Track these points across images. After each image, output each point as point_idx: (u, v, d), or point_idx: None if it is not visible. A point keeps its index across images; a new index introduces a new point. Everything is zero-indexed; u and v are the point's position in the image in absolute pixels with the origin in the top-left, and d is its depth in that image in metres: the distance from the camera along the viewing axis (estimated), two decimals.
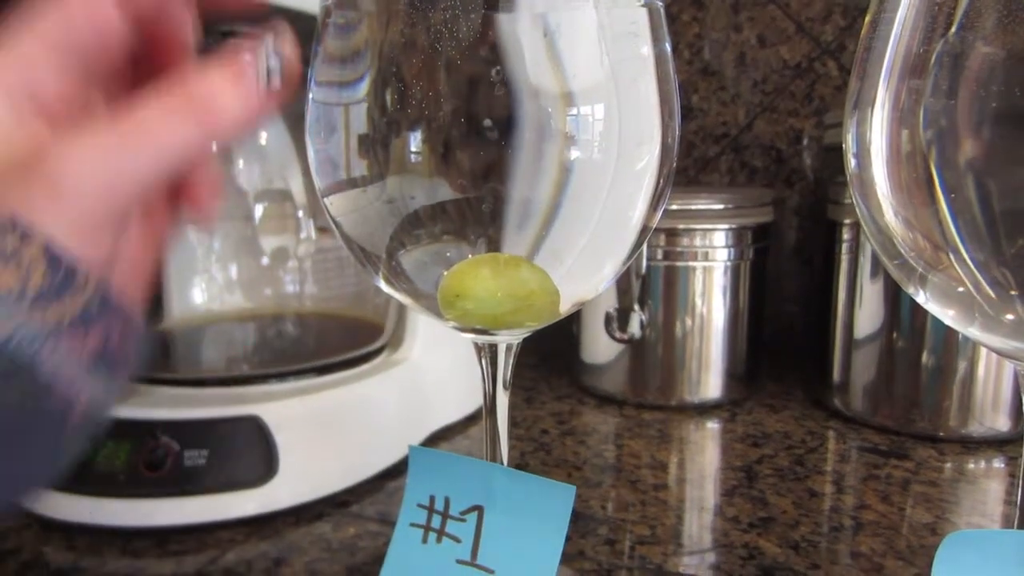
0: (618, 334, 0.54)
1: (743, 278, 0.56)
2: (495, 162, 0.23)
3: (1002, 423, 0.49)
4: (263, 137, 0.47)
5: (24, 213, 0.19)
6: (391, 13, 0.23)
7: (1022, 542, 0.24)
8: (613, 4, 0.23)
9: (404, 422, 0.47)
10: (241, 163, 0.46)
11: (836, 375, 0.55)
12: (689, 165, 0.73)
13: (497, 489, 0.28)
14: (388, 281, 0.26)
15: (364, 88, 0.24)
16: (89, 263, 0.20)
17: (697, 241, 0.55)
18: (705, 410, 0.56)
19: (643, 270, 0.53)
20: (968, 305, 0.23)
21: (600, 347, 0.58)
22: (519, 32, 0.23)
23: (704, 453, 0.49)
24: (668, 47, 0.25)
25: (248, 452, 0.39)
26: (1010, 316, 0.23)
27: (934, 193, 0.21)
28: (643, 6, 0.24)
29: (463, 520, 0.28)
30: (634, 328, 0.54)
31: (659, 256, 0.55)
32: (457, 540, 0.28)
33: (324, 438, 0.42)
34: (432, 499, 0.29)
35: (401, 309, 0.52)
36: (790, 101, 0.68)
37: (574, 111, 0.23)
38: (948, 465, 0.46)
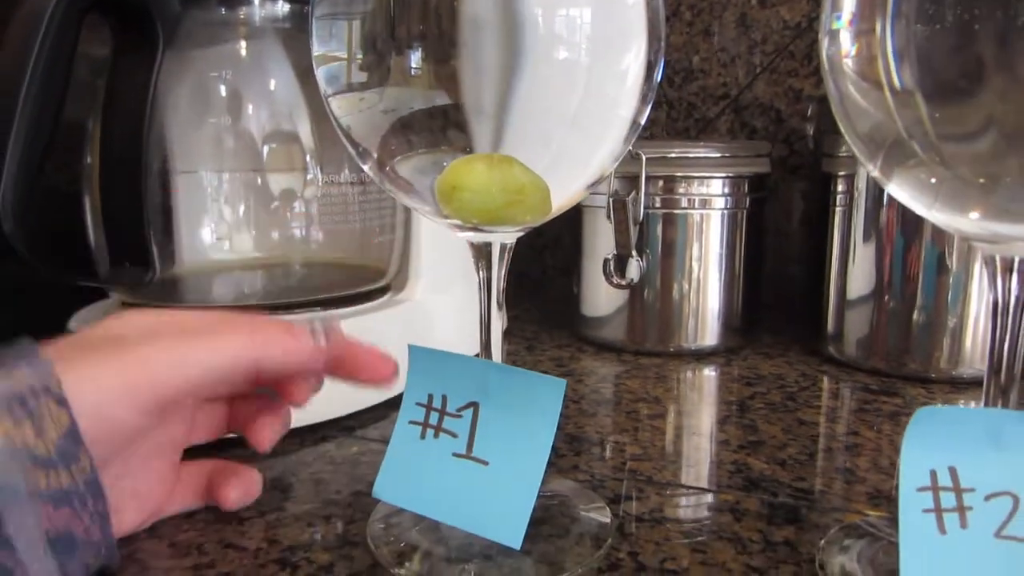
0: (616, 279, 0.55)
1: (740, 227, 0.57)
2: (490, 65, 0.25)
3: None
4: (271, 83, 0.49)
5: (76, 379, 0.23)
6: None
7: (990, 418, 0.25)
8: None
9: (406, 358, 0.48)
10: (249, 108, 0.48)
11: (831, 325, 0.56)
12: (691, 126, 0.74)
13: (491, 385, 0.29)
14: (391, 180, 0.28)
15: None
16: (101, 450, 0.23)
17: (695, 188, 0.56)
18: (702, 356, 0.57)
19: (640, 216, 0.54)
20: (931, 188, 0.24)
21: (600, 299, 0.60)
22: None
23: (698, 391, 0.50)
24: None
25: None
26: (974, 214, 0.24)
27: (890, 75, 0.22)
28: None
29: (459, 416, 0.29)
30: (632, 273, 0.55)
31: (657, 204, 0.56)
32: (454, 435, 0.29)
33: None
34: (430, 397, 0.30)
35: (404, 255, 0.54)
36: (790, 61, 0.69)
37: (563, 12, 0.24)
38: (938, 401, 0.47)
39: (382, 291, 0.52)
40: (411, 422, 0.30)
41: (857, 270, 0.54)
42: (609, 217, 0.54)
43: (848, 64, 0.23)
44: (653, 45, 0.26)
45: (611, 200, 0.54)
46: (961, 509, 0.24)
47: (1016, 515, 0.24)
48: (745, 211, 0.57)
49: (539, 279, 0.82)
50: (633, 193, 0.53)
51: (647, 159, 0.54)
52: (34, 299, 0.49)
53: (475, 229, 0.28)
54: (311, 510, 0.32)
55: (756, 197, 0.58)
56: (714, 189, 0.56)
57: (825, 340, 0.56)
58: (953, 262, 0.50)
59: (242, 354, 0.27)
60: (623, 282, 0.55)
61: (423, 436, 0.30)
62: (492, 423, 0.29)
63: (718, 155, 0.56)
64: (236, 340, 0.27)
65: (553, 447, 0.37)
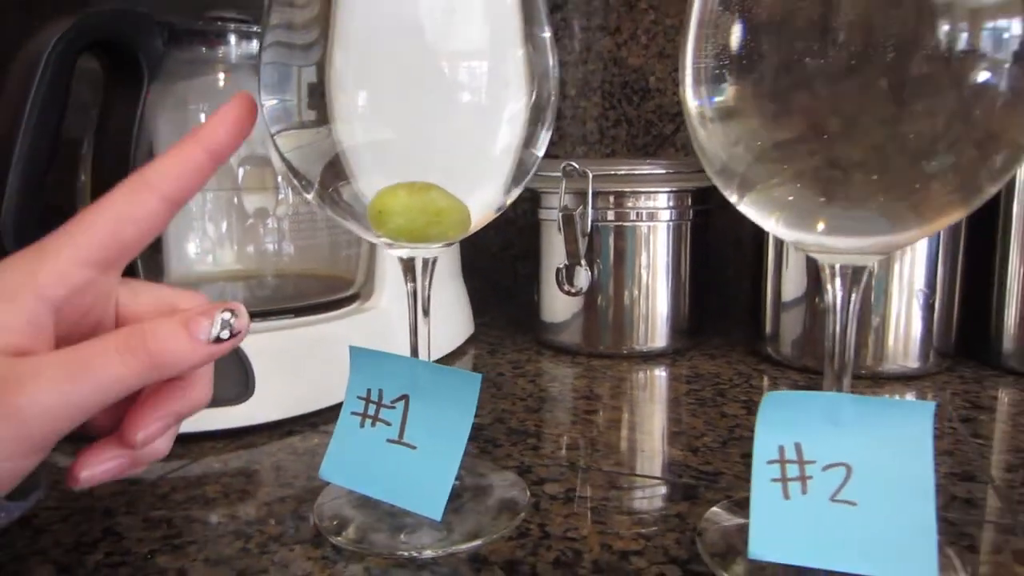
0: (566, 287, 0.60)
1: (685, 237, 0.62)
2: (408, 107, 0.29)
3: (912, 362, 0.55)
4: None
5: None
6: None
7: (829, 401, 0.29)
8: None
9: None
10: None
11: (768, 326, 0.60)
12: (649, 142, 0.78)
13: (419, 380, 0.34)
14: (329, 207, 0.32)
15: (317, 54, 0.30)
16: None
17: (642, 203, 0.60)
18: (652, 358, 0.62)
19: (588, 229, 0.58)
20: (778, 216, 0.28)
21: (557, 306, 0.64)
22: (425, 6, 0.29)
23: (640, 389, 0.55)
24: (544, 27, 0.31)
25: (229, 375, 0.45)
26: (821, 225, 0.28)
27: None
28: None
29: (393, 407, 0.34)
30: (581, 282, 0.59)
31: (609, 216, 0.61)
32: (388, 424, 0.34)
33: (296, 368, 0.48)
34: (368, 391, 0.35)
35: (370, 265, 0.58)
36: None
37: (465, 64, 0.29)
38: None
39: (351, 299, 0.57)
40: (353, 413, 0.35)
41: (790, 273, 0.58)
42: (560, 230, 0.59)
43: (698, 111, 0.27)
44: (541, 95, 0.30)
45: (561, 214, 0.58)
46: (803, 478, 0.29)
47: (848, 482, 0.28)
48: (690, 223, 0.62)
49: (510, 287, 0.87)
50: (581, 207, 0.58)
51: (595, 176, 0.58)
52: None
53: (404, 246, 0.33)
54: (269, 492, 0.37)
55: (701, 209, 0.62)
56: (660, 203, 0.61)
57: (764, 341, 0.61)
58: (875, 264, 0.54)
59: (129, 382, 0.24)
60: (573, 290, 0.60)
61: (362, 425, 0.34)
62: (420, 413, 0.33)
63: (663, 171, 0.60)
64: (120, 369, 0.24)
65: (493, 439, 0.42)
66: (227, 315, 0.26)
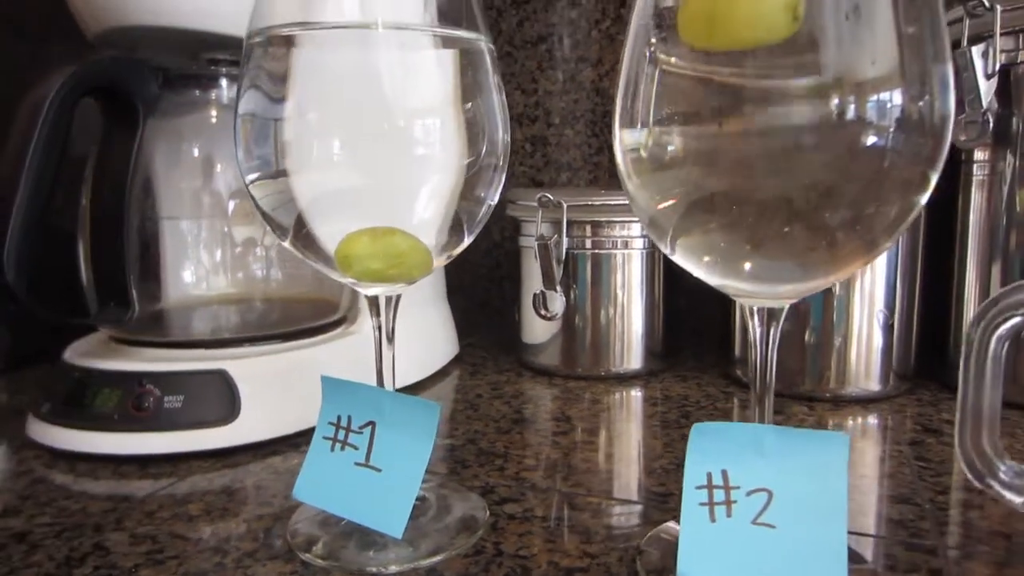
0: (543, 312, 0.63)
1: (658, 264, 0.64)
2: (364, 162, 0.32)
3: (873, 385, 0.57)
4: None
5: None
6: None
7: (754, 431, 0.32)
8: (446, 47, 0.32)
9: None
10: (218, 167, 0.56)
11: (737, 349, 0.63)
12: None
13: (384, 408, 0.36)
14: (301, 251, 0.35)
15: (281, 110, 0.33)
16: None
17: (616, 231, 0.63)
18: (626, 379, 0.64)
19: (563, 257, 0.61)
20: (706, 259, 0.31)
21: (537, 329, 0.67)
22: (381, 62, 0.32)
23: (608, 410, 0.57)
24: (489, 84, 0.34)
25: (215, 398, 0.48)
26: (747, 265, 0.31)
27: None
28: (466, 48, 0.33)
29: (360, 432, 0.37)
30: (555, 307, 0.62)
31: (587, 244, 0.63)
32: (356, 448, 0.37)
33: (281, 391, 0.51)
34: (339, 417, 0.37)
35: (354, 291, 0.61)
36: None
37: (419, 122, 0.32)
38: (811, 417, 0.54)
39: (337, 323, 0.60)
40: (324, 437, 0.37)
41: None
42: (536, 257, 0.62)
43: (629, 166, 0.30)
44: (489, 150, 0.33)
45: (537, 243, 0.61)
46: (728, 503, 0.31)
47: (769, 507, 0.31)
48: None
49: (498, 307, 0.90)
50: (556, 236, 0.61)
51: (570, 206, 0.61)
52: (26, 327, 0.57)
53: (371, 286, 0.36)
54: (249, 510, 0.40)
55: None
56: (634, 231, 0.63)
57: (733, 364, 0.63)
58: (835, 286, 0.57)
59: None
60: (548, 315, 0.63)
61: (332, 449, 0.37)
62: (385, 438, 0.36)
63: None
64: None
65: (463, 460, 0.44)
66: None
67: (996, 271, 0.56)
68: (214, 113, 0.57)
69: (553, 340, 0.66)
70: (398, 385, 0.60)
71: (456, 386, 0.64)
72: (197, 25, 0.49)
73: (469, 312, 0.89)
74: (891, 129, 0.26)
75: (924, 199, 0.28)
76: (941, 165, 0.28)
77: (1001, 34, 0.51)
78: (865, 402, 0.57)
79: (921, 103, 0.26)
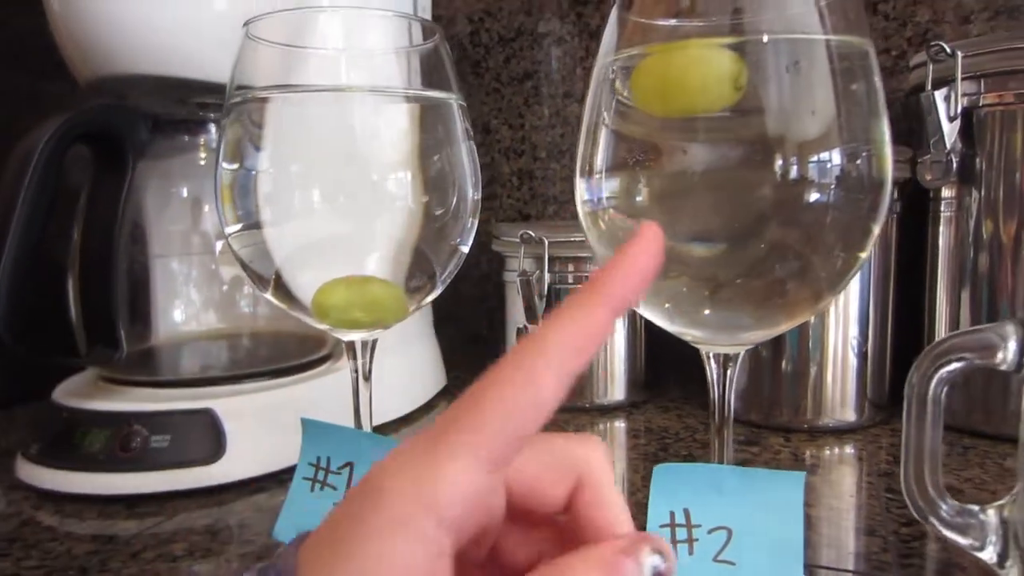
0: None
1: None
2: (337, 214, 0.34)
3: (848, 415, 0.58)
4: None
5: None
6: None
7: (714, 472, 0.33)
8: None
9: (340, 419, 0.57)
10: (206, 208, 0.57)
11: None
12: None
13: (362, 450, 0.37)
14: (280, 300, 0.36)
15: (266, 160, 0.34)
16: None
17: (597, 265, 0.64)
18: (610, 411, 0.65)
19: (544, 291, 0.63)
20: (667, 307, 0.32)
21: None
22: (354, 121, 0.33)
23: None
24: (458, 139, 0.35)
25: (201, 437, 0.49)
26: (707, 311, 0.32)
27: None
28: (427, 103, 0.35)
29: (339, 473, 0.38)
30: None
31: (569, 279, 0.65)
32: (334, 488, 0.38)
33: (267, 428, 0.52)
34: (319, 459, 0.39)
35: None
36: None
37: (392, 176, 0.33)
38: (787, 448, 0.55)
39: (324, 360, 0.61)
40: (304, 478, 0.39)
41: None
42: (519, 292, 0.63)
43: (587, 218, 0.32)
44: (457, 201, 0.35)
45: (519, 278, 0.62)
46: (690, 540, 0.32)
47: (729, 544, 0.32)
48: None
49: (488, 340, 0.91)
50: (537, 272, 0.62)
51: (552, 242, 0.63)
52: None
53: (348, 332, 0.37)
54: (231, 549, 0.41)
55: None
56: None
57: None
58: (811, 317, 0.58)
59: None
60: None
61: (312, 489, 0.38)
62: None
63: None
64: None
65: None
66: (656, 559, 0.20)
67: (965, 300, 0.57)
68: (202, 155, 0.58)
69: None
70: (384, 420, 0.62)
71: (437, 415, 0.65)
72: (186, 73, 0.51)
73: (459, 343, 0.90)
74: (832, 186, 0.27)
75: (867, 250, 0.29)
76: (882, 218, 0.29)
77: (963, 78, 0.53)
78: (841, 432, 0.58)
79: (859, 161, 0.28)
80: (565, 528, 0.22)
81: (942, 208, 0.59)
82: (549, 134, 0.87)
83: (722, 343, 0.32)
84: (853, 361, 0.58)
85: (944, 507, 0.28)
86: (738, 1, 0.28)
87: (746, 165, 0.27)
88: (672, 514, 0.33)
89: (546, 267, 0.62)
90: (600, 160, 0.30)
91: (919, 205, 0.61)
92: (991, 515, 0.28)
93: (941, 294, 0.59)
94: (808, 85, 0.27)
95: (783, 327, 0.31)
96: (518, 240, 0.63)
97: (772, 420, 0.60)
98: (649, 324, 0.67)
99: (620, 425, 0.62)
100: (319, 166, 0.33)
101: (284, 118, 0.33)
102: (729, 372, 0.33)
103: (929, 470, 0.29)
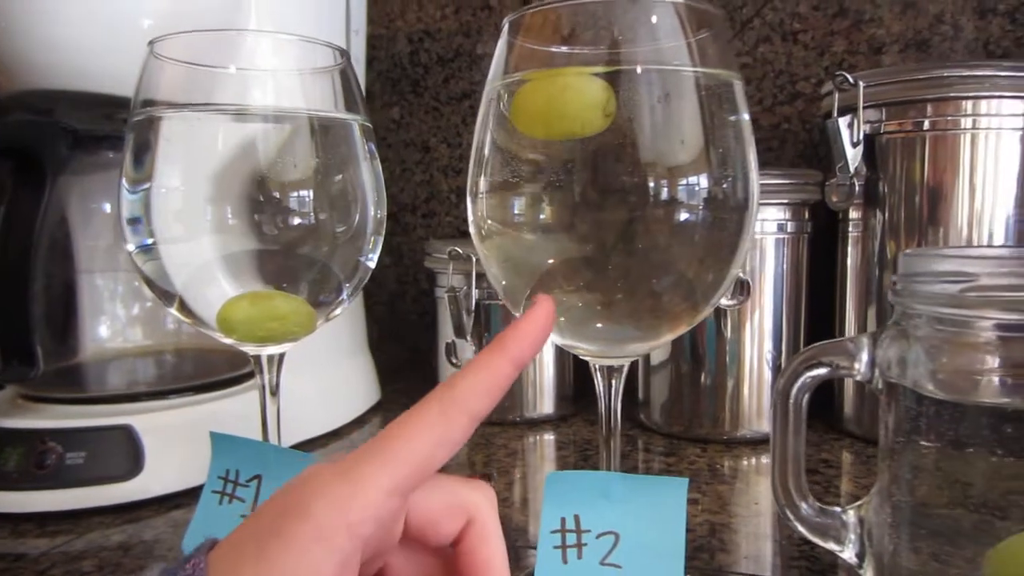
0: (455, 360, 0.65)
1: None
2: (246, 226, 0.35)
3: (764, 426, 0.61)
4: None
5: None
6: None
7: (603, 479, 0.34)
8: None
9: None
10: None
11: (640, 392, 0.66)
12: None
13: (270, 463, 0.38)
14: (183, 313, 0.37)
15: (167, 178, 0.35)
16: None
17: None
18: (539, 424, 0.67)
19: (472, 308, 0.64)
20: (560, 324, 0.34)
21: None
22: (256, 141, 0.34)
23: (515, 455, 0.59)
24: (359, 158, 0.37)
25: (119, 453, 0.49)
26: (598, 324, 0.34)
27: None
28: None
29: (247, 486, 0.38)
30: (465, 356, 0.65)
31: (493, 296, 0.66)
32: (242, 500, 0.38)
33: (188, 444, 0.52)
34: (227, 471, 0.39)
35: None
36: None
37: (300, 193, 0.35)
38: (703, 459, 0.57)
39: (249, 376, 0.61)
40: (213, 491, 0.39)
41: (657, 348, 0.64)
42: (448, 307, 0.64)
43: (476, 236, 0.33)
44: (354, 218, 0.36)
45: (447, 294, 0.64)
46: (579, 545, 0.33)
47: (616, 548, 0.33)
48: None
49: (427, 354, 0.92)
50: (465, 288, 0.64)
51: (478, 259, 0.64)
52: None
53: (254, 346, 0.38)
54: (143, 564, 0.41)
55: None
56: None
57: (637, 407, 0.66)
58: (728, 332, 0.60)
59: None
60: (458, 363, 0.65)
61: (220, 502, 0.39)
62: (270, 491, 0.38)
63: None
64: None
65: None
66: None
67: (871, 315, 0.60)
68: None
69: None
70: (315, 434, 0.62)
71: (372, 433, 0.65)
72: (109, 89, 0.51)
73: (398, 358, 0.91)
74: (700, 208, 0.29)
75: (737, 265, 0.31)
76: (748, 237, 0.31)
77: (865, 107, 0.56)
78: (756, 443, 0.60)
79: (725, 184, 0.30)
80: (450, 559, 0.26)
81: (849, 228, 0.61)
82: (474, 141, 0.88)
83: (609, 355, 0.34)
84: (768, 375, 0.61)
85: (805, 507, 0.30)
86: (615, 33, 0.30)
87: (619, 187, 0.29)
88: (563, 520, 0.34)
89: (474, 283, 0.64)
90: (485, 181, 0.31)
91: (829, 226, 0.64)
92: (851, 515, 0.30)
93: (849, 309, 0.62)
94: (676, 114, 0.29)
95: (665, 338, 0.33)
96: (447, 257, 0.65)
97: (692, 432, 0.61)
98: None
99: (548, 437, 0.64)
100: (220, 185, 0.34)
101: (185, 137, 0.34)
102: (615, 384, 0.34)
103: (792, 473, 0.30)
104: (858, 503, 0.30)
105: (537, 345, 0.26)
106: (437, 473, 0.25)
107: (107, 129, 0.57)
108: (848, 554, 0.30)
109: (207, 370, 0.60)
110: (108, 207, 0.58)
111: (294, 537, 0.21)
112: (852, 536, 0.30)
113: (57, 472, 0.47)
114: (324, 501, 0.22)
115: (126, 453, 0.49)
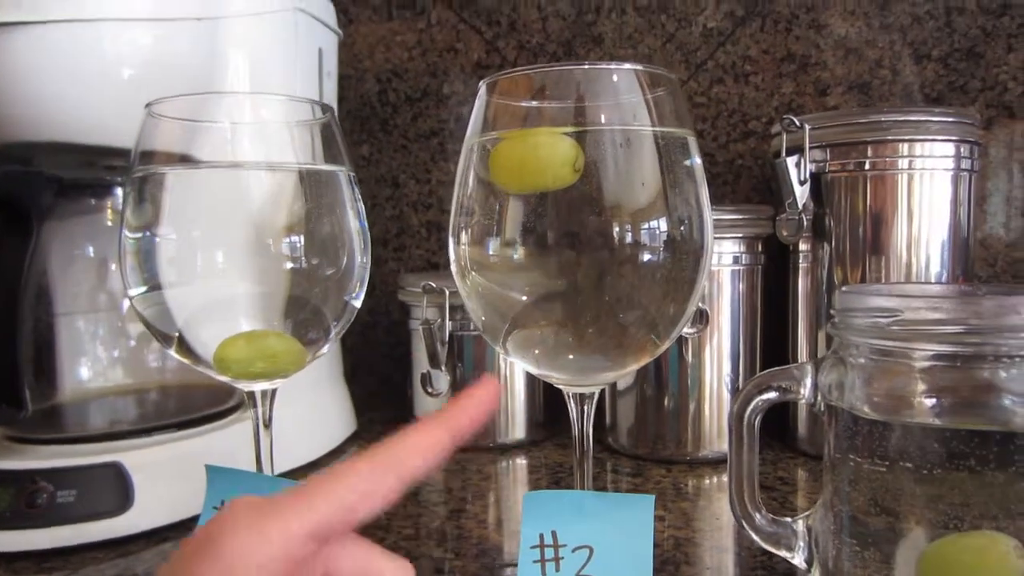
0: (430, 389, 0.68)
1: None
2: (240, 271, 0.37)
3: (724, 446, 0.64)
4: None
5: None
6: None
7: (578, 497, 0.37)
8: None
9: (248, 467, 0.59)
10: (112, 266, 0.59)
11: (608, 418, 0.69)
12: None
13: (265, 492, 0.40)
14: (180, 353, 0.39)
15: (167, 228, 0.38)
16: None
17: None
18: (511, 449, 0.69)
19: (446, 339, 0.67)
20: (535, 352, 0.37)
21: (428, 405, 0.72)
22: (250, 194, 0.37)
23: (488, 480, 0.62)
24: (346, 206, 0.40)
25: (109, 490, 0.50)
26: (570, 356, 0.37)
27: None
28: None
29: None
30: (440, 385, 0.67)
31: (470, 327, 0.69)
32: None
33: (176, 478, 0.53)
34: (222, 503, 0.41)
35: None
36: None
37: (291, 239, 0.37)
38: (667, 479, 0.60)
39: (232, 410, 0.63)
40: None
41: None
42: (423, 339, 0.67)
43: (458, 275, 0.36)
44: (342, 262, 0.39)
45: (421, 327, 0.66)
46: (557, 559, 0.36)
47: (591, 560, 0.36)
48: None
49: (400, 385, 0.94)
50: (439, 320, 0.67)
51: (451, 292, 0.67)
52: None
53: (249, 383, 0.40)
54: None
55: None
56: None
57: (605, 430, 0.69)
58: (689, 357, 0.64)
59: None
60: (433, 392, 0.68)
61: None
62: None
63: None
64: None
65: None
66: None
67: (821, 337, 0.64)
68: (109, 216, 0.61)
69: None
70: (293, 465, 0.64)
71: (340, 458, 0.68)
72: (91, 140, 0.54)
73: (371, 389, 0.93)
74: (660, 249, 0.33)
75: (695, 300, 0.35)
76: (704, 275, 0.34)
77: (810, 147, 0.61)
78: (717, 463, 0.63)
79: (683, 227, 0.33)
80: None
81: (800, 260, 0.66)
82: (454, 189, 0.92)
83: (580, 384, 0.37)
84: (727, 397, 0.64)
85: (759, 518, 0.33)
86: (580, 91, 0.33)
87: (587, 233, 0.32)
88: (541, 536, 0.37)
89: (447, 315, 0.66)
90: (465, 225, 0.34)
91: (781, 257, 0.68)
92: (800, 525, 0.34)
93: (801, 333, 0.66)
94: (638, 169, 0.33)
95: (631, 368, 0.36)
96: (421, 291, 0.67)
97: (657, 454, 0.65)
98: None
99: (521, 462, 0.66)
100: (216, 233, 0.36)
101: (182, 190, 0.37)
102: (587, 409, 0.38)
103: (748, 487, 0.34)
104: (806, 513, 0.34)
105: (477, 422, 0.29)
106: (364, 539, 0.26)
107: (90, 177, 0.59)
108: (798, 560, 0.33)
109: (190, 406, 0.61)
110: (91, 251, 0.60)
111: (206, 573, 0.22)
112: (801, 543, 0.33)
113: (49, 510, 0.49)
114: (236, 542, 0.23)
115: (116, 489, 0.50)
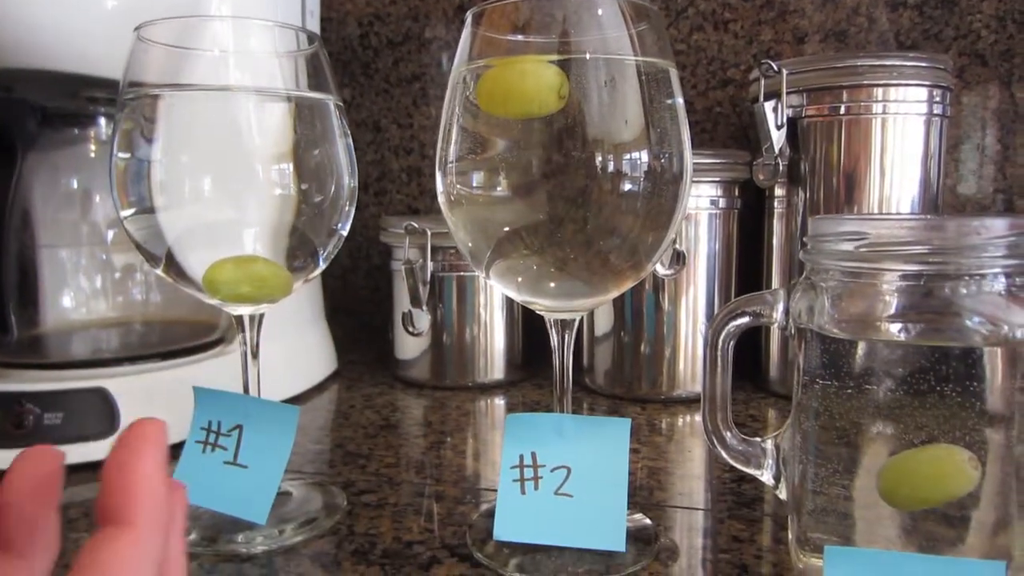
0: (410, 329, 0.69)
1: None
2: (225, 199, 0.38)
3: (697, 387, 0.66)
4: None
5: None
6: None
7: (556, 419, 0.39)
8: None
9: None
10: (96, 198, 0.59)
11: (585, 359, 0.71)
12: None
13: (250, 413, 0.41)
14: (169, 274, 0.40)
15: (158, 151, 0.38)
16: None
17: None
18: (490, 389, 0.71)
19: (427, 279, 0.68)
20: (518, 280, 0.38)
21: (408, 345, 0.73)
22: (239, 118, 0.37)
23: (467, 416, 0.64)
24: (335, 135, 0.40)
25: (95, 414, 0.51)
26: (552, 284, 0.38)
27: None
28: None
29: (229, 435, 0.42)
30: (421, 325, 0.68)
31: (451, 268, 0.70)
32: (224, 448, 0.42)
33: (161, 405, 0.54)
34: (209, 422, 0.42)
35: None
36: None
37: (277, 167, 0.38)
38: (642, 416, 0.62)
39: (215, 343, 0.64)
40: (196, 441, 0.42)
41: (601, 311, 0.69)
42: (404, 280, 0.68)
43: (445, 204, 0.37)
44: (336, 190, 0.39)
45: (404, 267, 0.67)
46: (536, 478, 0.38)
47: (568, 480, 0.38)
48: None
49: (379, 327, 0.95)
50: (421, 260, 0.67)
51: (434, 233, 0.68)
52: None
53: (237, 306, 0.41)
54: None
55: None
56: None
57: (583, 372, 0.71)
58: (665, 303, 0.66)
59: None
60: (415, 331, 0.69)
61: (204, 451, 0.42)
62: (250, 439, 0.41)
63: None
64: None
65: (330, 461, 0.50)
66: None
67: None
68: (92, 148, 0.60)
69: (423, 355, 0.72)
70: (276, 397, 0.65)
71: (332, 398, 0.69)
72: (74, 68, 0.53)
73: (352, 331, 0.94)
74: (641, 179, 0.34)
75: (674, 229, 0.36)
76: (684, 204, 0.36)
77: (788, 92, 0.62)
78: (690, 402, 0.66)
79: (663, 159, 0.34)
80: None
81: (775, 205, 0.67)
82: (436, 133, 0.92)
83: (562, 310, 0.38)
84: (701, 340, 0.66)
85: (730, 436, 0.35)
86: (566, 24, 0.34)
87: (570, 160, 0.33)
88: (521, 456, 0.38)
89: (429, 256, 0.67)
90: (452, 154, 0.35)
91: (757, 203, 0.69)
92: (768, 444, 0.35)
93: (775, 277, 0.68)
94: (623, 97, 0.34)
95: (611, 294, 0.37)
96: (403, 231, 0.68)
97: (633, 393, 0.67)
98: (525, 310, 0.73)
99: (499, 401, 0.68)
100: (207, 157, 0.37)
101: (172, 113, 0.37)
102: (567, 337, 0.39)
103: (720, 409, 0.35)
104: (775, 433, 0.36)
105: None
106: None
107: (73, 107, 0.59)
108: (767, 476, 0.35)
109: (172, 339, 0.62)
110: (75, 183, 0.60)
111: None
112: (769, 461, 0.35)
113: (35, 432, 0.49)
114: None
115: (101, 413, 0.51)
